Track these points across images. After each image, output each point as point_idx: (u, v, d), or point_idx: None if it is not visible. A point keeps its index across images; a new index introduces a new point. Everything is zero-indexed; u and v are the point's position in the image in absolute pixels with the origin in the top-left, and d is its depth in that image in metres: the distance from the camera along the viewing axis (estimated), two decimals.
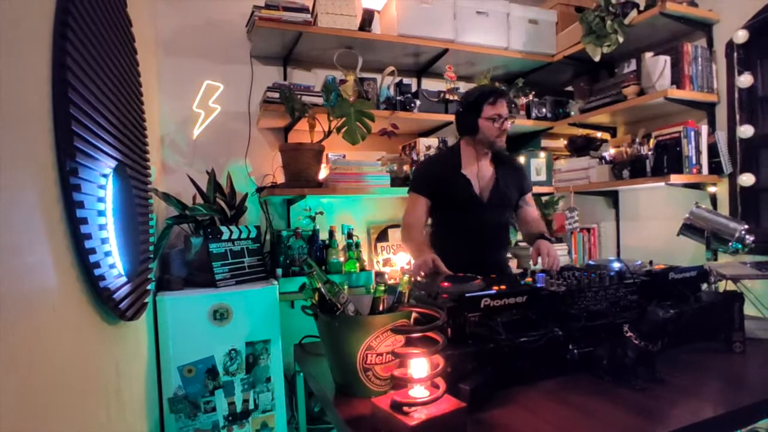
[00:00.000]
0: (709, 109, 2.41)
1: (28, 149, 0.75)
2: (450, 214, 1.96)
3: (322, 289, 1.08)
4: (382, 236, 2.85)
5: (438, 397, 0.88)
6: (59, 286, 0.83)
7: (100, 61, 1.10)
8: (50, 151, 0.83)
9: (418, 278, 1.51)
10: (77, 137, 0.89)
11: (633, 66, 2.49)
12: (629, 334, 1.11)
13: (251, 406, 2.07)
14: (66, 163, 0.86)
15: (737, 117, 2.32)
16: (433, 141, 2.76)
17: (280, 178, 2.52)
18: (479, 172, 1.96)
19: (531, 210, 2.07)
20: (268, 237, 2.53)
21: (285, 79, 2.70)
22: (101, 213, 1.04)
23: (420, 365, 0.89)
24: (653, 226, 2.78)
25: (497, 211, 1.96)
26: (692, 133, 2.29)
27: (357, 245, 2.53)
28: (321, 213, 2.53)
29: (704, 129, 2.34)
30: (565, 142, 3.07)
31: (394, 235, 2.88)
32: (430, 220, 2.06)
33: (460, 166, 1.95)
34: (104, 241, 1.05)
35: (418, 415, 0.85)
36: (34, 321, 0.71)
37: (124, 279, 1.17)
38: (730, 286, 1.62)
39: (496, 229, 1.97)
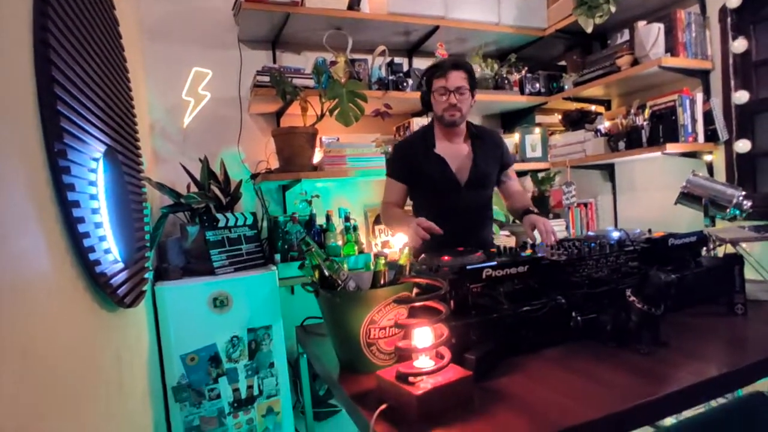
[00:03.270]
0: (703, 76, 2.40)
1: (13, 129, 0.72)
2: (428, 197, 1.90)
3: (322, 266, 1.06)
4: (380, 219, 2.83)
5: (443, 367, 0.88)
6: (53, 270, 0.81)
7: (83, 42, 1.08)
8: (36, 132, 0.81)
9: (422, 234, 1.54)
10: (63, 118, 0.87)
11: (626, 36, 2.47)
12: (632, 298, 1.11)
13: (256, 391, 2.07)
14: (54, 145, 0.84)
15: (732, 83, 2.31)
16: (426, 120, 2.74)
17: (274, 164, 2.49)
18: (454, 151, 1.88)
19: (513, 184, 2.01)
20: (264, 223, 2.51)
21: (274, 62, 2.66)
22: (93, 197, 1.02)
23: (424, 335, 0.89)
24: (650, 197, 2.78)
25: (476, 192, 1.89)
26: (687, 102, 2.28)
27: (355, 228, 2.52)
28: (317, 196, 2.51)
29: (699, 97, 2.32)
30: (560, 116, 3.05)
31: None
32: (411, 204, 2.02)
33: (434, 146, 1.87)
34: (98, 225, 1.03)
35: (424, 385, 0.84)
36: (28, 306, 0.70)
37: (120, 265, 1.16)
38: (730, 252, 1.62)
39: (477, 209, 1.90)
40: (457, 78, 1.78)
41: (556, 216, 2.97)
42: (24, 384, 0.65)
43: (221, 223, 2.11)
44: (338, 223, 2.55)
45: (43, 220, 0.79)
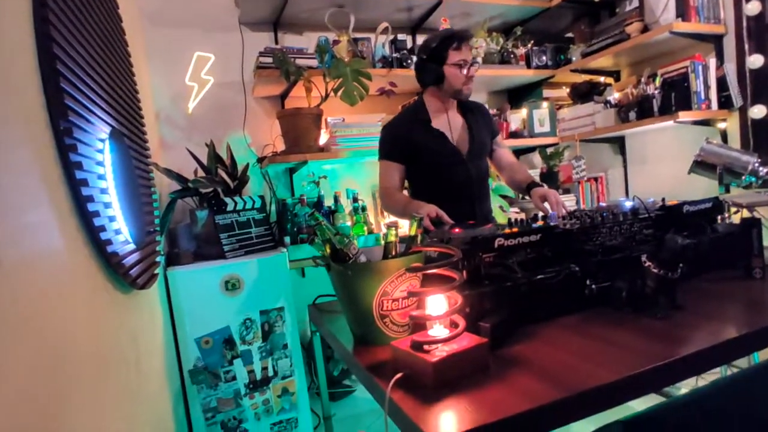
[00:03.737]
0: (716, 41, 2.33)
1: (17, 105, 0.72)
2: (429, 174, 1.83)
3: (333, 240, 1.06)
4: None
5: (458, 334, 0.87)
6: (66, 248, 0.81)
7: (83, 21, 1.06)
8: (41, 110, 0.80)
9: (426, 223, 1.49)
10: (67, 96, 0.86)
11: (635, 2, 2.40)
12: (647, 263, 1.09)
13: (270, 373, 2.09)
14: (59, 123, 0.84)
15: (746, 47, 2.24)
16: None
17: (281, 148, 2.48)
18: (450, 123, 1.85)
19: (505, 152, 1.98)
20: (273, 207, 2.51)
21: (276, 44, 2.63)
22: (101, 177, 1.02)
23: (438, 302, 0.88)
24: (662, 169, 2.73)
25: (477, 162, 1.87)
26: (700, 68, 2.22)
27: (363, 209, 2.52)
28: (324, 178, 2.50)
29: (712, 62, 2.26)
30: (568, 90, 2.99)
31: None
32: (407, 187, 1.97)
33: (430, 121, 1.83)
34: (107, 205, 1.03)
35: (440, 353, 0.84)
36: (43, 282, 0.70)
37: (131, 246, 1.16)
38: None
39: (478, 181, 1.87)
40: (469, 50, 1.76)
41: (566, 191, 2.94)
42: (41, 357, 0.65)
43: (230, 207, 2.11)
44: (347, 204, 2.54)
45: (52, 196, 0.79)
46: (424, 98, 1.88)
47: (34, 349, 0.63)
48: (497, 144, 1.98)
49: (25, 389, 0.59)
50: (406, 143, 1.82)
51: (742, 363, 2.00)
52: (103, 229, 0.95)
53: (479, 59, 2.70)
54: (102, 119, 1.10)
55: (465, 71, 1.74)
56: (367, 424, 2.26)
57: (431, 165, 1.83)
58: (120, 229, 1.09)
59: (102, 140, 1.08)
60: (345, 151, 2.36)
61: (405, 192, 1.95)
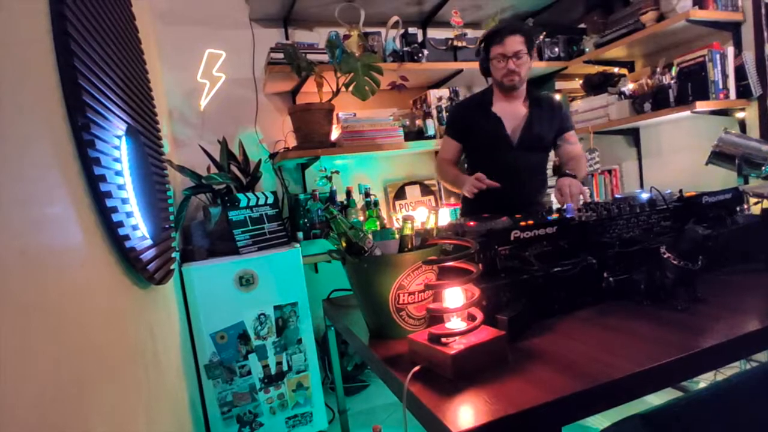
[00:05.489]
0: (734, 29, 2.28)
1: (37, 101, 0.72)
2: (481, 156, 1.95)
3: (348, 233, 1.06)
4: (400, 194, 2.81)
5: (476, 327, 0.87)
6: (85, 242, 0.82)
7: (98, 18, 1.07)
8: (59, 106, 0.81)
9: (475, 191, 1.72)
10: (85, 92, 0.87)
11: None
12: (667, 255, 1.07)
13: (285, 367, 2.11)
14: (77, 119, 0.84)
15: (765, 35, 2.19)
16: (444, 92, 2.68)
17: (292, 143, 2.49)
18: (511, 111, 1.92)
19: (572, 148, 1.99)
20: (285, 202, 2.52)
21: (287, 40, 2.63)
22: (118, 173, 1.03)
23: (455, 295, 0.88)
24: (678, 160, 2.69)
25: (527, 154, 1.92)
26: (717, 56, 2.17)
27: (375, 204, 2.51)
28: (336, 173, 2.50)
29: (730, 51, 2.22)
30: (581, 81, 2.95)
31: (412, 192, 2.84)
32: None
33: (491, 104, 1.93)
34: (125, 201, 1.03)
35: (458, 345, 0.84)
36: (63, 274, 0.70)
37: (149, 242, 1.17)
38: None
39: (528, 171, 1.93)
40: (514, 43, 1.80)
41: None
42: (64, 345, 0.66)
43: (243, 203, 2.12)
44: (359, 200, 2.54)
45: (71, 192, 0.79)
46: (492, 86, 1.98)
47: (58, 337, 0.64)
48: (564, 140, 1.99)
49: (50, 377, 0.60)
50: (466, 123, 1.96)
51: (761, 358, 1.97)
52: (121, 224, 0.96)
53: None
54: (118, 116, 1.11)
55: (502, 64, 1.82)
56: (381, 418, 2.26)
57: (480, 147, 1.95)
58: (137, 225, 1.10)
59: (118, 137, 1.09)
60: (357, 146, 2.35)
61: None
